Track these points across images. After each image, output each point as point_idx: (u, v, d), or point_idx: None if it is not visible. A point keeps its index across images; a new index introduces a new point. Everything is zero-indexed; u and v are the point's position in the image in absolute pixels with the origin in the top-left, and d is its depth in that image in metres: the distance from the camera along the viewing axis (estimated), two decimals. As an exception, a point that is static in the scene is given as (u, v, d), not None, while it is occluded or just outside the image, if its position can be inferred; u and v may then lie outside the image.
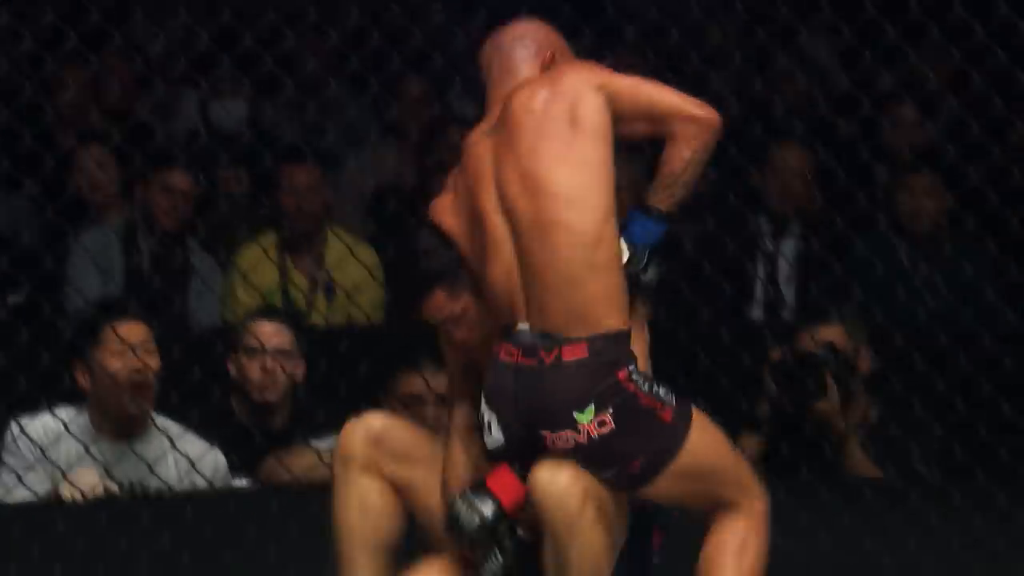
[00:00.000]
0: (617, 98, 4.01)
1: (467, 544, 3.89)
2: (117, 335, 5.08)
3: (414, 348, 5.10)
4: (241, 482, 5.49)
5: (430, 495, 4.07)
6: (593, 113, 4.02)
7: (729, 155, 5.22)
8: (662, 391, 3.86)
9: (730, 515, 3.97)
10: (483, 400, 3.92)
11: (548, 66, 4.07)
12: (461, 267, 3.98)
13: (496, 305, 3.92)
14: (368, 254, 6.19)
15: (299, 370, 5.53)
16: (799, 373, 5.47)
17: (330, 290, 6.44)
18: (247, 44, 4.97)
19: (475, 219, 3.94)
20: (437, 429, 4.24)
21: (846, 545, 4.99)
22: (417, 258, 5.96)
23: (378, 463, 4.05)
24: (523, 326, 3.88)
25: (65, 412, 5.18)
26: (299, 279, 6.49)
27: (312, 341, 5.66)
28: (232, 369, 5.62)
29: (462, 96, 6.50)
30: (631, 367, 3.83)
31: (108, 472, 5.12)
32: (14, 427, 5.16)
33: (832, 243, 5.55)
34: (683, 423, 3.86)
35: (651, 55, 5.26)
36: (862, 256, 5.68)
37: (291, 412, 5.62)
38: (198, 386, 5.13)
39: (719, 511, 3.98)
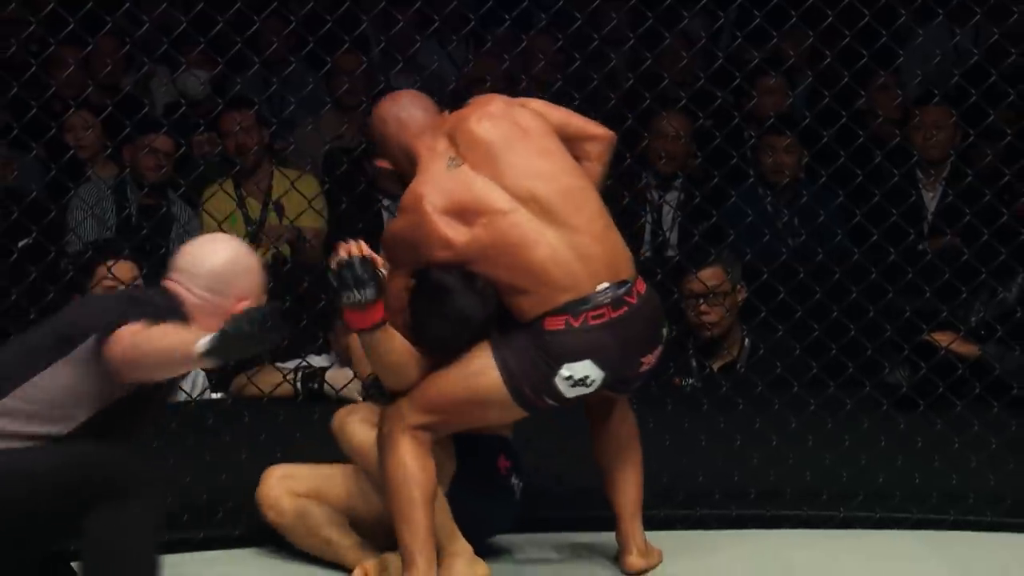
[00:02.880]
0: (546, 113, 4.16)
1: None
2: (111, 272, 5.10)
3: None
4: (216, 395, 5.51)
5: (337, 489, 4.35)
6: (531, 119, 4.09)
7: (623, 120, 5.27)
8: None
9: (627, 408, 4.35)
10: (575, 365, 3.96)
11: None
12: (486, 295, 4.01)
13: (563, 286, 3.95)
14: (309, 183, 6.23)
15: (262, 298, 5.54)
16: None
17: (279, 208, 6.46)
18: (219, 28, 4.97)
19: (508, 242, 3.96)
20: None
21: (723, 446, 5.06)
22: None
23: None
24: (602, 285, 3.93)
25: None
26: (252, 204, 6.53)
27: (275, 276, 5.68)
28: None
29: (399, 74, 6.52)
30: None
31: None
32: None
33: (709, 194, 5.58)
34: None
35: (559, 36, 5.28)
36: (734, 205, 5.70)
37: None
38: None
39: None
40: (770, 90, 6.68)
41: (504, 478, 4.35)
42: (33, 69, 5.04)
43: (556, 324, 3.93)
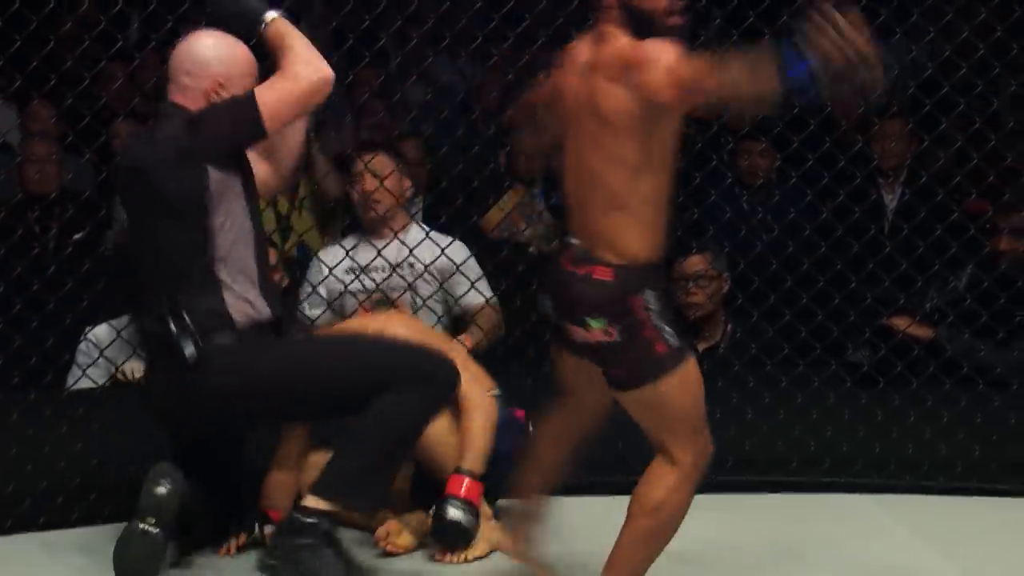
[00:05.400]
0: None
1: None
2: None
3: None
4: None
5: None
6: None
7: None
8: (667, 330, 3.60)
9: (663, 464, 3.71)
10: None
11: None
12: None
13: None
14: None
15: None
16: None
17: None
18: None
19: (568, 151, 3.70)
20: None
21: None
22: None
23: None
24: (575, 240, 3.69)
25: (118, 321, 5.19)
26: (282, 202, 6.43)
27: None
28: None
29: (413, 85, 6.50)
30: (648, 299, 3.60)
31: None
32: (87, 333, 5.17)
33: (692, 193, 5.58)
34: (670, 363, 3.61)
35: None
36: (714, 203, 5.71)
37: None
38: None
39: (658, 450, 3.71)
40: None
41: (524, 425, 4.45)
42: (86, 83, 5.03)
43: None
